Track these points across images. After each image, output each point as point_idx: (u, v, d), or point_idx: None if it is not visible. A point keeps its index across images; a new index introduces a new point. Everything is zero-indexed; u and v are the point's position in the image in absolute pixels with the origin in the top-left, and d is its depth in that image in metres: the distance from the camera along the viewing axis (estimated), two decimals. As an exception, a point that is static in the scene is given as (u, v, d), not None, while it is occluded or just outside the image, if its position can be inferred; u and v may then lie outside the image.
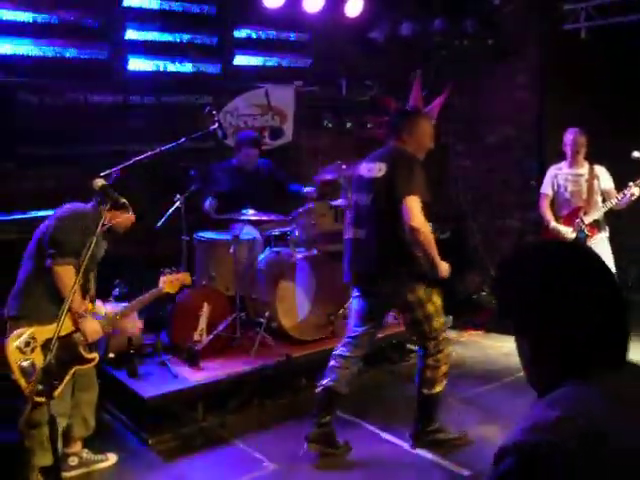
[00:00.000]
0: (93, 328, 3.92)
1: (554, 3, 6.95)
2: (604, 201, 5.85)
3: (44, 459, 3.63)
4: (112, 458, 4.17)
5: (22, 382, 3.57)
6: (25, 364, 3.57)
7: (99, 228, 3.25)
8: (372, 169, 4.17)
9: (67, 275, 3.74)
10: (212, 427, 4.65)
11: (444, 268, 4.12)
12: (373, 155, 4.30)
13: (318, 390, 4.25)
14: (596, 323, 1.30)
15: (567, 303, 1.31)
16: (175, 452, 4.35)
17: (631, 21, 6.26)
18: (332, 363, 4.27)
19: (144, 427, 4.52)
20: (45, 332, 3.66)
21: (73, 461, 4.06)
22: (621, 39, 6.28)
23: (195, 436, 4.53)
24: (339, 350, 4.29)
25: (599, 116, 6.23)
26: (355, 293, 4.33)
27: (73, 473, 4.03)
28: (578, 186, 5.92)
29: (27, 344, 3.63)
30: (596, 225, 5.82)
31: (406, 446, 4.31)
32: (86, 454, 4.12)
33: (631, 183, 5.64)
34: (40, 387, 3.31)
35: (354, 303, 4.34)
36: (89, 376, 4.08)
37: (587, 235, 5.80)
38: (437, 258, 4.06)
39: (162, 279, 4.26)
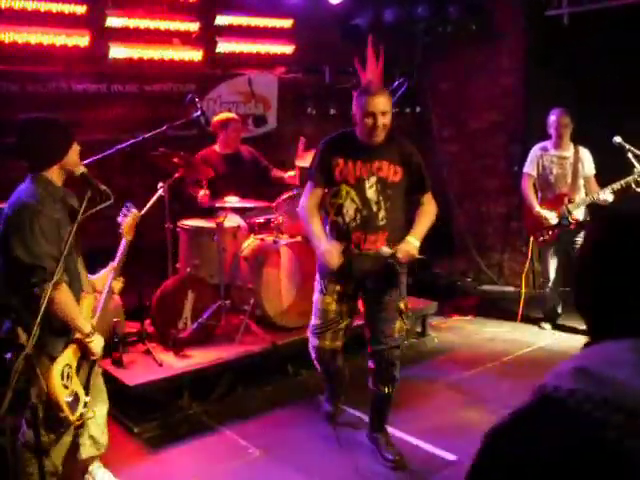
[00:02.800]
0: (100, 345, 3.35)
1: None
2: (586, 189, 5.87)
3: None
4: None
5: (70, 416, 3.14)
6: (70, 399, 3.14)
7: (79, 215, 3.18)
8: None
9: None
10: (197, 414, 4.66)
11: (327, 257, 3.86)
12: None
13: None
14: None
15: None
16: (160, 440, 4.35)
17: (612, 6, 6.29)
18: None
19: (129, 415, 4.52)
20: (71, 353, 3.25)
21: None
22: (603, 24, 6.30)
23: (180, 424, 4.54)
24: None
25: (583, 101, 6.24)
26: None
27: None
28: (563, 169, 5.91)
29: (67, 376, 3.13)
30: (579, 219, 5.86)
31: (390, 430, 4.31)
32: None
33: (609, 187, 5.62)
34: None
35: None
36: (95, 388, 3.54)
37: (570, 222, 5.82)
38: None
39: (121, 231, 3.57)
